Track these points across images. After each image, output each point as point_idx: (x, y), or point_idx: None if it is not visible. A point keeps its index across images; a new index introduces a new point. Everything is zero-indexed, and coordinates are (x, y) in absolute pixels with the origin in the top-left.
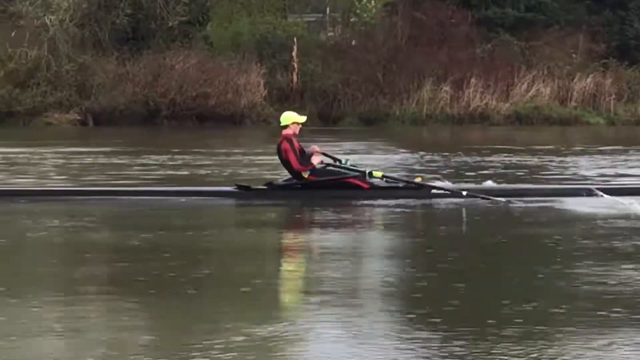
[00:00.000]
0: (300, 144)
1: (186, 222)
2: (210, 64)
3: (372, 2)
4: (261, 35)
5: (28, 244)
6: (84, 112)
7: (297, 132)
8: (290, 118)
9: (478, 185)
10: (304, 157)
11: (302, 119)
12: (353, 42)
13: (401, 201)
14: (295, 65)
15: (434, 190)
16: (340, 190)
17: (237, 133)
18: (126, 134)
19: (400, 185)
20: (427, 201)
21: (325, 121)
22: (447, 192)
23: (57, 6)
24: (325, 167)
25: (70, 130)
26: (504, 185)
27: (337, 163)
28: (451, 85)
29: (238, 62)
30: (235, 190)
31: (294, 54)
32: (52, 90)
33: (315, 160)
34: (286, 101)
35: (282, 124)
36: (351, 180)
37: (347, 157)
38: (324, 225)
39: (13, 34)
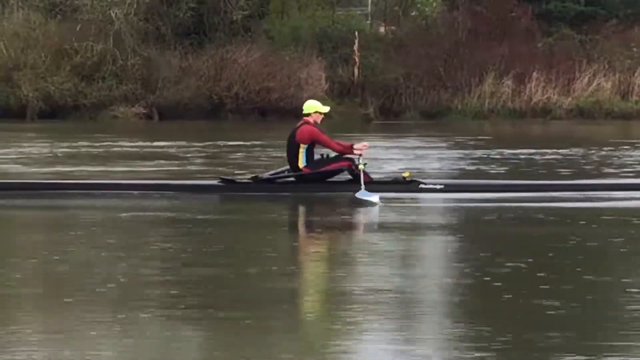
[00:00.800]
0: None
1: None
2: (272, 58)
3: None
4: (321, 29)
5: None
6: (150, 105)
7: (318, 121)
8: (313, 107)
9: (464, 181)
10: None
11: (326, 109)
12: (412, 36)
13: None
14: (357, 59)
15: (421, 185)
16: (329, 184)
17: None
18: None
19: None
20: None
21: (387, 115)
22: (434, 187)
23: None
24: (317, 159)
25: (140, 124)
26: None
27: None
28: (513, 80)
29: (299, 55)
30: (220, 184)
31: (355, 47)
32: (118, 84)
33: (360, 147)
34: (347, 95)
35: (304, 112)
36: (346, 163)
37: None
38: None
39: (78, 27)
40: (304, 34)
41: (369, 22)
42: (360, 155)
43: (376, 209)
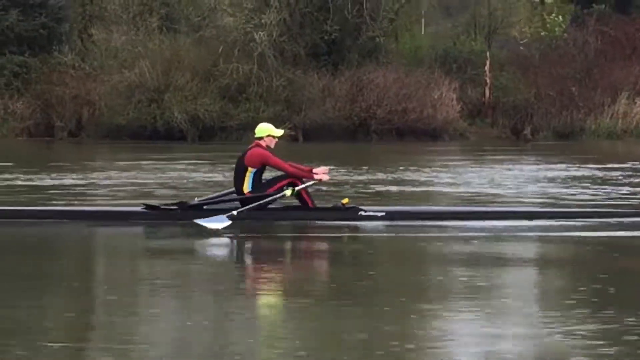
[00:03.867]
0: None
1: None
2: (407, 79)
3: (560, 17)
4: (444, 50)
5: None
6: (294, 127)
7: (272, 145)
8: (266, 130)
9: (407, 208)
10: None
11: (279, 132)
12: (538, 56)
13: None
14: (488, 80)
15: (361, 212)
16: (267, 211)
17: (445, 149)
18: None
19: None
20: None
21: (518, 135)
22: (375, 215)
23: (266, 22)
24: (264, 180)
25: (290, 146)
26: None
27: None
28: None
29: (428, 76)
30: (143, 210)
31: (486, 68)
32: (263, 106)
33: (320, 172)
34: (478, 115)
35: (256, 135)
36: (294, 180)
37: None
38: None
39: (220, 49)
40: (426, 54)
41: (480, 40)
42: (320, 180)
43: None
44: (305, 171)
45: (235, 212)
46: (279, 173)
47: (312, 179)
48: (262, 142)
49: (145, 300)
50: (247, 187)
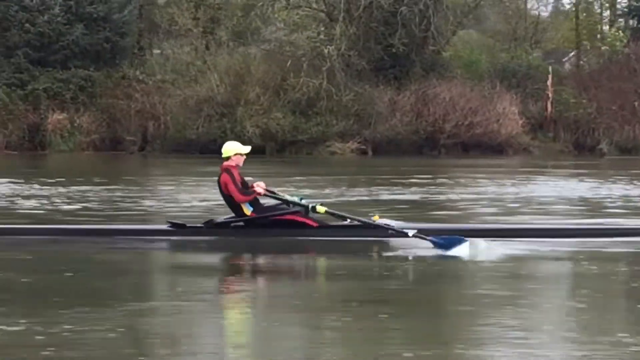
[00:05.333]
0: (242, 176)
1: None
2: (471, 92)
3: (620, 32)
4: (502, 65)
5: None
6: (364, 141)
7: (240, 163)
8: (233, 149)
9: (431, 225)
10: (246, 188)
11: (246, 149)
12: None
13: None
14: (550, 94)
15: (390, 231)
16: (284, 228)
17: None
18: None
19: (349, 222)
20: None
21: (581, 150)
22: (401, 232)
23: (335, 36)
24: (264, 204)
25: (360, 160)
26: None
27: (280, 198)
28: None
29: (489, 91)
30: (169, 228)
31: (549, 83)
32: (334, 120)
33: (259, 188)
34: (540, 130)
35: (223, 156)
36: (295, 217)
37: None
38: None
39: (289, 63)
40: (484, 68)
41: (538, 55)
42: (259, 194)
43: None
44: (251, 193)
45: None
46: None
47: (257, 193)
48: (230, 162)
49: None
50: (247, 210)
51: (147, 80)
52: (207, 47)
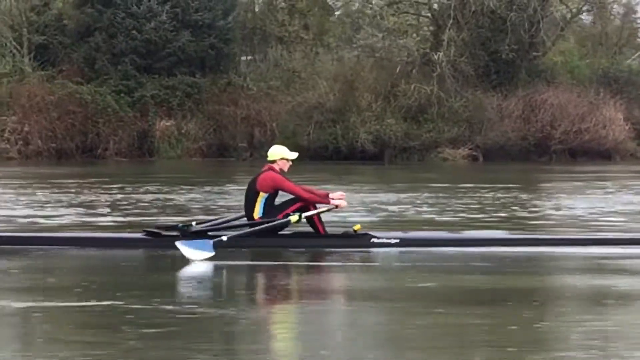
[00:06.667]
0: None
1: None
2: (578, 98)
3: None
4: (603, 70)
5: None
6: (475, 147)
7: (285, 169)
8: (279, 153)
9: (423, 234)
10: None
11: (293, 155)
12: None
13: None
14: None
15: (373, 240)
16: (276, 238)
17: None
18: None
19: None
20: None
21: None
22: (388, 241)
23: (444, 43)
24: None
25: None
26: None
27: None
28: None
29: (594, 97)
30: (144, 237)
31: None
32: (445, 126)
33: (336, 201)
34: None
35: (269, 159)
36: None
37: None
38: None
39: (398, 69)
40: (585, 74)
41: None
42: (337, 207)
43: None
44: (320, 196)
45: (224, 238)
46: (289, 197)
47: (328, 204)
48: (275, 166)
49: None
50: (257, 213)
51: (251, 86)
52: (316, 54)
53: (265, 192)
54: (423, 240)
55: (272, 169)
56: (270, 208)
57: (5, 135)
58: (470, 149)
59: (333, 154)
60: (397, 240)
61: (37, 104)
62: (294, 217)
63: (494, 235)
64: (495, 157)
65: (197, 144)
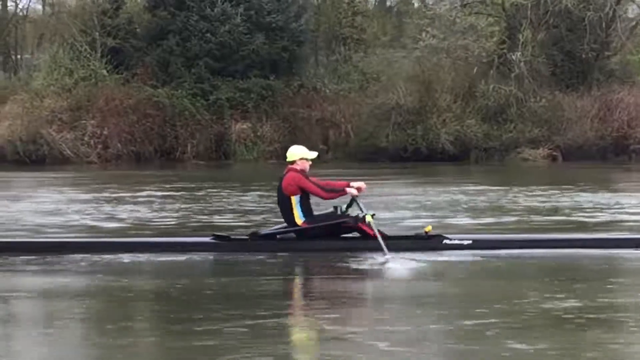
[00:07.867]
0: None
1: None
2: None
3: None
4: None
5: None
6: (555, 147)
7: (306, 169)
8: (298, 154)
9: (496, 236)
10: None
11: (312, 154)
12: None
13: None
14: None
15: (445, 241)
16: (335, 240)
17: None
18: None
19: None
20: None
21: None
22: (461, 243)
23: (522, 42)
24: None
25: (551, 166)
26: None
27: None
28: None
29: None
30: (213, 240)
31: None
32: (525, 127)
33: (352, 189)
34: None
35: (288, 160)
36: (352, 225)
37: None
38: None
39: (475, 70)
40: None
41: None
42: (356, 196)
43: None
44: (339, 188)
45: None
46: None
47: (345, 194)
48: (295, 166)
49: None
50: (299, 218)
51: (324, 88)
52: (394, 55)
53: (294, 194)
54: (497, 241)
55: (293, 170)
56: (308, 208)
57: (85, 139)
58: (550, 149)
59: (412, 155)
60: (470, 242)
61: (115, 107)
62: (368, 217)
63: (575, 236)
64: (574, 157)
65: (272, 146)
